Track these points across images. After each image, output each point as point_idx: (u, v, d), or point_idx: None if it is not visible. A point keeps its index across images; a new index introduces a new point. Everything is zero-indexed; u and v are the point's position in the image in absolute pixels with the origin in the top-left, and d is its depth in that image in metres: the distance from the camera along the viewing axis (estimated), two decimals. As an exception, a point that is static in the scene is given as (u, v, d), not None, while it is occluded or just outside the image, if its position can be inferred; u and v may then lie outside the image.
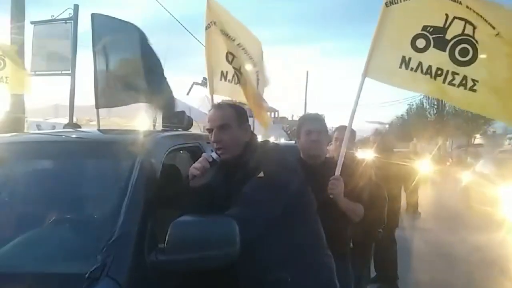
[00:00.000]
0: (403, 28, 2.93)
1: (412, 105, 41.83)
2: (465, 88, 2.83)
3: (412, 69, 2.89)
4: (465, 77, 2.82)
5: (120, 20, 3.99)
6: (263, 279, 1.90)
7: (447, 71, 2.84)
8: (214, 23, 4.03)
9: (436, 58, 2.85)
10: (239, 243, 1.58)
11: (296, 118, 31.04)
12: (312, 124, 2.74)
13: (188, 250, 1.55)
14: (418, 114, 40.63)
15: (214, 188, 1.99)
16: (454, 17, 2.81)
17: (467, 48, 2.82)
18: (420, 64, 2.87)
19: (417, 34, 2.88)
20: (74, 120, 5.96)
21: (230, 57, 4.04)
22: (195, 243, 1.56)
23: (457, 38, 2.83)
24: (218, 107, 2.18)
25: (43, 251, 1.67)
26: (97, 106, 3.82)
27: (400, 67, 2.90)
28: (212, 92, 4.20)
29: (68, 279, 1.47)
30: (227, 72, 4.13)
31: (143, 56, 3.79)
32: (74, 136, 2.52)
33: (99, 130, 3.35)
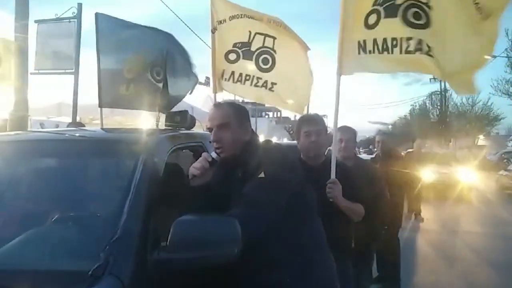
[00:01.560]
0: (356, 12, 2.87)
1: (415, 105, 41.75)
2: (422, 52, 2.72)
3: (370, 51, 2.83)
4: (420, 41, 2.71)
5: (124, 21, 4.01)
6: (263, 279, 1.90)
7: (401, 39, 2.74)
8: (223, 21, 4.01)
9: (388, 28, 2.78)
10: (241, 243, 1.58)
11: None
12: (311, 125, 2.73)
13: (190, 248, 1.56)
14: (421, 115, 40.52)
15: (213, 187, 1.99)
16: None
17: (419, 12, 2.72)
18: (374, 42, 2.80)
19: (369, 12, 2.82)
20: (78, 119, 5.98)
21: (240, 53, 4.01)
22: (197, 242, 1.57)
23: (407, 3, 2.74)
24: (218, 106, 2.17)
25: (47, 249, 1.68)
26: (101, 105, 3.83)
27: (359, 53, 2.86)
28: (215, 91, 4.21)
29: (71, 277, 1.48)
30: (224, 71, 4.11)
31: (153, 55, 3.81)
32: (77, 134, 2.53)
33: (102, 129, 3.36)
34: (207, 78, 15.28)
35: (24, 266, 1.57)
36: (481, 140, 37.69)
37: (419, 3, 2.72)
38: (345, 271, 2.52)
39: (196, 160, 2.09)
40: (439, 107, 37.40)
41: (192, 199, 1.93)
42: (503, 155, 26.25)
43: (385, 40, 2.78)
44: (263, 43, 3.94)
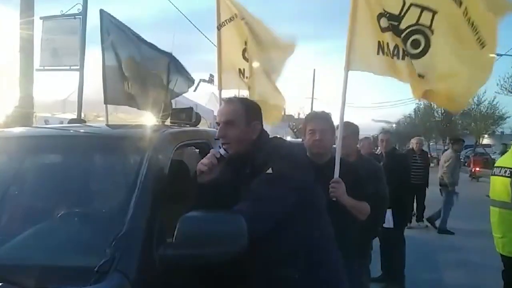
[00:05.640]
0: (371, 12, 2.87)
1: (420, 104, 41.41)
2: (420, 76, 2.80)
3: (388, 54, 2.85)
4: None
5: (129, 29, 4.06)
6: (270, 275, 1.90)
7: (403, 50, 2.80)
8: (235, 16, 4.03)
9: (393, 39, 2.82)
10: (247, 239, 1.58)
11: (302, 116, 30.93)
12: (315, 123, 2.69)
13: (196, 245, 1.56)
14: (425, 114, 40.29)
15: (221, 184, 1.98)
16: (411, 4, 2.75)
17: (419, 40, 2.78)
18: (387, 45, 2.82)
19: (380, 14, 2.83)
20: (82, 115, 5.98)
21: (248, 52, 4.04)
22: (203, 238, 1.57)
23: (410, 29, 2.79)
24: (229, 101, 2.12)
25: (53, 244, 1.68)
26: (106, 102, 3.83)
27: (378, 53, 2.87)
28: (220, 88, 4.21)
29: (77, 272, 1.48)
30: (244, 69, 4.12)
31: (143, 60, 3.85)
32: (83, 131, 2.53)
33: (108, 125, 3.36)
34: (211, 75, 15.28)
35: (30, 261, 1.58)
36: (486, 139, 37.46)
37: (420, 28, 2.76)
38: (349, 271, 2.50)
39: (202, 157, 2.08)
40: (443, 105, 37.06)
41: (199, 196, 1.92)
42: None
43: (396, 46, 2.81)
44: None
